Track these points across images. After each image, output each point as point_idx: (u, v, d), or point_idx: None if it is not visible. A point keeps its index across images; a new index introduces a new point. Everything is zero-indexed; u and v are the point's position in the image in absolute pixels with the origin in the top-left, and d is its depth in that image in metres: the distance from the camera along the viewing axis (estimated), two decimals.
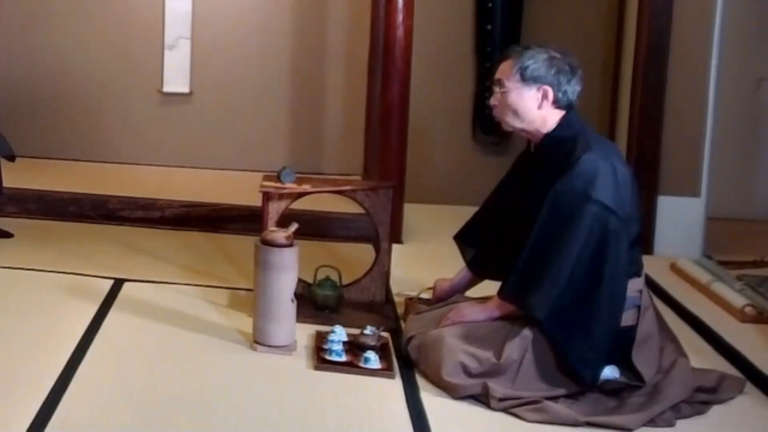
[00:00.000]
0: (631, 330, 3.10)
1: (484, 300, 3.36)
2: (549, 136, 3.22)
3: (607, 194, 3.02)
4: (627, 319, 3.10)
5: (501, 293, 3.21)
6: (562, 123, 3.21)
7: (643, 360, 3.07)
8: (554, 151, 3.18)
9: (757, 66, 5.77)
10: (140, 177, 5.93)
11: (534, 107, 3.20)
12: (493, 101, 3.28)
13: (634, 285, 3.13)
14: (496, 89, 3.26)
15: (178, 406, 2.99)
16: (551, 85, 3.17)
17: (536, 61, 3.18)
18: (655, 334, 3.14)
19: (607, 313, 3.04)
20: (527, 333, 3.09)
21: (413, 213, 5.27)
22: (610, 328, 3.04)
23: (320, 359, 3.35)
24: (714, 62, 4.91)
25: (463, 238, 3.68)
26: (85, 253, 4.63)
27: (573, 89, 3.20)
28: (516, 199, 3.36)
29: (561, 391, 3.05)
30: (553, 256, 3.03)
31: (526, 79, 3.18)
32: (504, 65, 3.24)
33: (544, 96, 3.18)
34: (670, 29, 4.88)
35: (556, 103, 3.20)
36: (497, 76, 3.26)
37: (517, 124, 3.24)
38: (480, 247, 3.58)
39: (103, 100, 6.31)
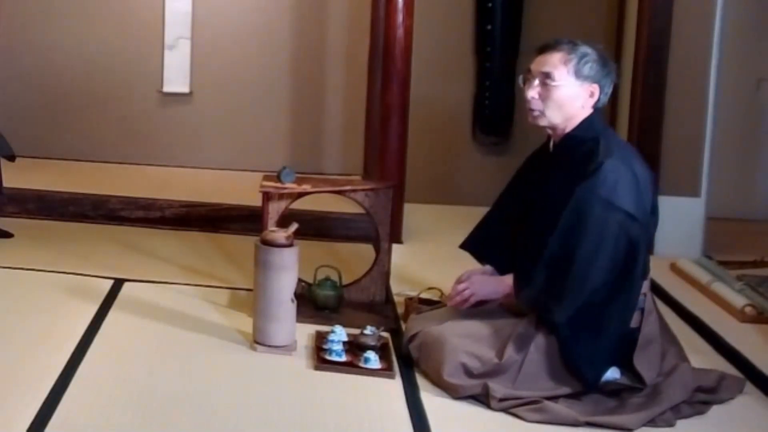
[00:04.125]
0: (634, 332, 3.09)
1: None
2: (569, 136, 3.16)
3: (630, 201, 2.99)
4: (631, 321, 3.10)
5: (518, 294, 3.17)
6: (584, 123, 3.15)
7: (645, 363, 3.07)
8: (573, 151, 3.13)
9: (757, 66, 5.76)
10: (140, 177, 5.93)
11: (579, 104, 3.12)
12: (532, 94, 3.14)
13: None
14: (536, 82, 3.13)
15: (178, 406, 2.99)
16: (600, 85, 3.12)
17: (593, 59, 3.09)
18: (657, 338, 3.14)
19: (620, 317, 3.04)
20: (530, 333, 3.09)
21: (413, 213, 5.27)
22: (619, 332, 3.04)
23: (320, 359, 3.35)
24: (714, 62, 4.91)
25: (474, 247, 3.52)
26: (85, 253, 4.63)
27: (610, 92, 3.16)
28: (530, 197, 3.28)
29: (561, 391, 3.05)
30: (579, 267, 2.98)
31: (580, 75, 3.09)
32: (553, 57, 3.11)
33: (591, 95, 3.12)
34: (670, 29, 4.88)
35: (595, 104, 3.14)
36: (545, 68, 3.11)
37: (557, 119, 3.14)
38: (494, 252, 3.45)
39: (103, 100, 6.30)
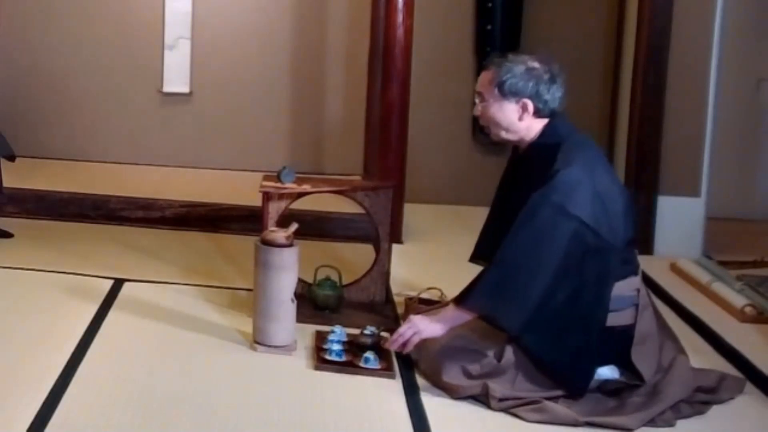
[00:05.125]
0: (630, 329, 3.09)
1: (436, 312, 3.29)
2: (533, 145, 3.20)
3: (585, 209, 2.99)
4: (625, 318, 3.10)
5: (464, 303, 3.13)
6: (546, 131, 3.17)
7: (643, 359, 3.07)
8: (538, 159, 3.14)
9: (757, 66, 5.76)
10: (140, 177, 5.93)
11: (515, 119, 3.18)
12: (475, 112, 3.28)
13: (631, 284, 3.12)
14: (477, 101, 3.25)
15: (178, 406, 2.99)
16: (530, 98, 3.14)
17: (514, 75, 3.15)
18: (654, 333, 3.14)
19: (590, 321, 3.03)
20: None
21: (413, 213, 5.27)
22: (591, 335, 3.03)
23: (320, 359, 3.35)
24: (714, 62, 4.91)
25: (482, 258, 3.47)
26: (85, 253, 4.63)
27: (553, 97, 3.16)
28: (510, 201, 3.30)
29: (561, 392, 3.05)
30: (529, 270, 2.99)
31: (504, 93, 3.16)
32: (484, 77, 3.23)
33: (524, 109, 3.16)
34: (670, 29, 4.88)
35: (537, 114, 3.17)
36: (478, 87, 3.25)
37: (502, 134, 3.22)
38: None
39: (103, 100, 6.31)
